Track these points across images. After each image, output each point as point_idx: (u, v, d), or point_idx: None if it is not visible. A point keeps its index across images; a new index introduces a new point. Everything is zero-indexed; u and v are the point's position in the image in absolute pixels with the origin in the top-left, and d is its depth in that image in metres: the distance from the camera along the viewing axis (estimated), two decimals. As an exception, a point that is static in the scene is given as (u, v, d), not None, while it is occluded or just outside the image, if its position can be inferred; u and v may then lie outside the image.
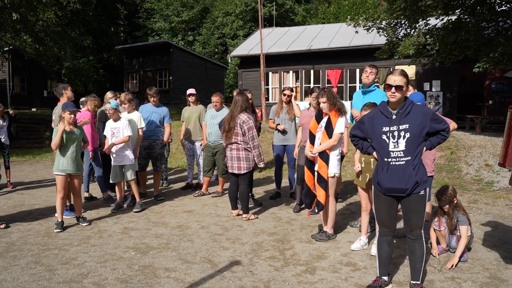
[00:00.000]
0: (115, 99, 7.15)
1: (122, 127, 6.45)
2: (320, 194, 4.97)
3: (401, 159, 3.27)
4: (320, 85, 18.22)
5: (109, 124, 6.54)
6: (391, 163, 3.30)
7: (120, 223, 5.83)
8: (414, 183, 3.24)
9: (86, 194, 7.28)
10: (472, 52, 11.14)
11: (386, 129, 3.32)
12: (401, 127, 3.27)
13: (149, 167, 7.66)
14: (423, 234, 3.47)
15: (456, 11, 11.51)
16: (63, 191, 5.57)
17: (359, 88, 5.69)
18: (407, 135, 3.25)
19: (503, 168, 3.98)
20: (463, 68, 16.01)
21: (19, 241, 5.06)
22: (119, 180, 6.57)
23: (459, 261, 4.19)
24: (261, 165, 5.96)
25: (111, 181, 6.63)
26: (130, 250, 4.70)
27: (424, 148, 3.36)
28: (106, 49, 31.71)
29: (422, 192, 3.32)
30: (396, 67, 16.99)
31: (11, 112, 8.67)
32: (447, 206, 4.36)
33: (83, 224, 5.76)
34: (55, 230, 5.46)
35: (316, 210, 5.06)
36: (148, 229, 5.52)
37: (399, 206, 3.48)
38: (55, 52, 21.12)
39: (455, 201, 4.40)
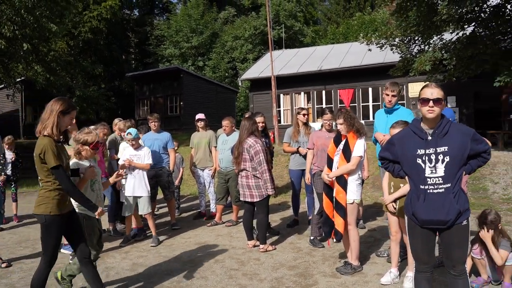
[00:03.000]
0: (131, 127, 6.89)
1: (143, 155, 6.17)
2: (338, 222, 4.60)
3: (440, 186, 2.87)
4: (332, 106, 17.93)
5: (129, 151, 6.21)
6: (428, 191, 2.90)
7: (129, 259, 5.46)
8: (456, 213, 2.84)
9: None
10: (490, 66, 10.76)
11: (421, 152, 2.93)
12: (438, 149, 2.88)
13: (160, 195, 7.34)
14: (466, 269, 3.05)
15: (471, 25, 11.21)
16: None
17: (382, 107, 5.31)
18: (446, 158, 2.85)
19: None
20: (477, 83, 15.57)
21: (19, 282, 4.71)
22: (131, 213, 6.21)
23: None
24: (270, 192, 5.59)
25: (123, 215, 6.28)
26: (138, 290, 4.33)
27: (463, 173, 2.96)
28: (117, 77, 31.93)
29: (464, 222, 2.91)
30: (410, 84, 16.64)
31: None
32: (491, 231, 3.93)
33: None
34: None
35: (335, 240, 4.67)
36: (158, 265, 5.14)
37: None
38: (67, 81, 21.23)
39: (500, 227, 3.97)
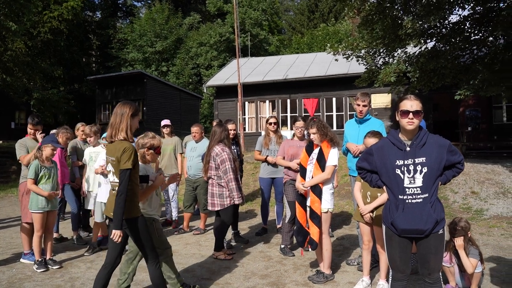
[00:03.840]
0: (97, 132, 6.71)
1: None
2: (313, 231, 4.60)
3: (418, 196, 2.93)
4: (297, 114, 18.11)
5: (103, 155, 5.98)
6: (407, 201, 2.95)
7: (94, 268, 5.25)
8: (433, 222, 2.90)
9: (56, 235, 6.65)
10: (450, 80, 11.20)
11: (400, 162, 2.98)
12: (417, 160, 2.94)
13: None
14: (441, 277, 3.11)
15: (433, 40, 11.63)
16: (42, 229, 5.25)
17: (354, 117, 5.38)
18: (424, 169, 2.91)
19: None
20: (436, 95, 16.20)
21: (-22, 294, 4.45)
22: (104, 220, 5.96)
23: None
24: (237, 201, 5.53)
25: (97, 221, 6.03)
26: (107, 302, 4.16)
27: (439, 183, 3.04)
28: (77, 80, 30.98)
29: (441, 231, 2.97)
30: (373, 95, 17.06)
31: None
32: (461, 238, 4.03)
33: (54, 268, 5.22)
34: (38, 271, 5.07)
35: (310, 249, 4.68)
36: (126, 275, 4.97)
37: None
38: (24, 82, 20.42)
39: (469, 235, 4.09)
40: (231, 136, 6.36)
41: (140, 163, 3.93)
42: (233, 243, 6.34)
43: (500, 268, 4.98)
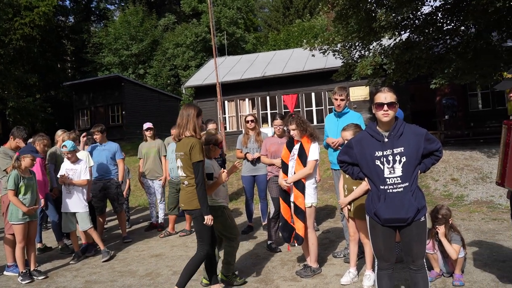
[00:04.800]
0: (76, 138, 6.62)
1: (80, 169, 5.90)
2: (298, 226, 4.63)
3: (399, 185, 2.99)
4: (277, 111, 18.17)
5: (65, 165, 5.94)
6: (388, 191, 3.01)
7: (81, 276, 5.21)
8: (415, 210, 2.96)
9: (39, 245, 6.55)
10: (426, 70, 11.40)
11: (379, 153, 3.04)
12: (395, 150, 3.00)
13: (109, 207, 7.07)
14: (425, 264, 3.18)
15: (407, 31, 11.81)
16: (24, 240, 5.16)
17: (332, 111, 5.43)
18: (403, 159, 2.98)
19: (501, 187, 3.79)
20: (413, 86, 16.43)
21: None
22: (72, 229, 5.92)
23: (449, 282, 3.98)
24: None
25: (63, 231, 5.97)
26: (95, 309, 4.13)
27: (419, 172, 3.10)
28: (53, 86, 30.43)
29: (422, 219, 3.05)
30: (351, 88, 17.22)
31: None
32: (442, 226, 4.12)
33: (39, 278, 5.16)
34: (23, 283, 5.01)
35: (296, 244, 4.71)
36: (113, 281, 4.94)
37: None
38: (-2, 92, 20.02)
39: (451, 221, 4.18)
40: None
41: (206, 159, 4.26)
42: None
43: (482, 251, 5.11)
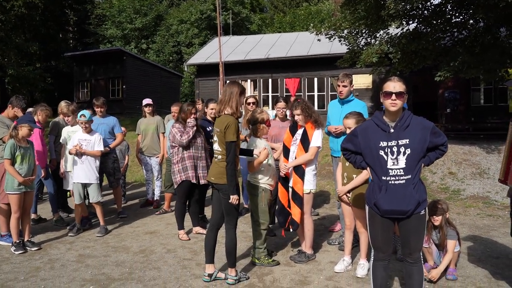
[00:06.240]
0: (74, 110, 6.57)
1: (94, 140, 5.86)
2: (295, 212, 4.60)
3: (401, 177, 2.95)
4: (278, 94, 18.06)
5: (78, 135, 5.86)
6: (390, 182, 2.97)
7: (74, 249, 5.20)
8: (416, 203, 2.93)
9: (34, 216, 6.52)
10: (431, 61, 11.28)
11: (383, 144, 2.99)
12: (400, 142, 2.95)
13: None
14: (421, 257, 3.17)
15: (414, 21, 11.65)
16: (20, 210, 5.14)
17: (337, 97, 5.36)
18: (408, 151, 2.93)
19: (504, 184, 3.76)
20: (416, 77, 16.31)
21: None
22: (82, 200, 5.87)
23: (443, 276, 3.98)
24: (177, 180, 5.61)
25: (76, 203, 5.91)
26: (87, 283, 4.11)
27: (422, 165, 3.06)
28: (54, 56, 30.10)
29: (422, 212, 3.02)
30: (354, 76, 17.08)
31: None
32: (439, 219, 4.11)
33: (32, 249, 5.14)
34: (16, 253, 5.01)
35: (291, 229, 4.69)
36: (107, 256, 4.93)
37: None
38: (-2, 58, 19.79)
39: (447, 215, 4.17)
40: (212, 115, 6.28)
41: (252, 137, 4.61)
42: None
43: (476, 246, 5.11)
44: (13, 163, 5.05)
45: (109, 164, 6.71)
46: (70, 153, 5.77)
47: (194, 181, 5.59)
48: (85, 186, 5.84)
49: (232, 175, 3.93)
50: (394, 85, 3.00)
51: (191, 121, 5.65)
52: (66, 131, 6.33)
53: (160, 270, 4.45)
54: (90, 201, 5.94)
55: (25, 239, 5.25)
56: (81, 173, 5.77)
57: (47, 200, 7.09)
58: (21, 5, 25.35)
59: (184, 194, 5.68)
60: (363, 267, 4.24)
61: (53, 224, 6.41)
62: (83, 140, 5.80)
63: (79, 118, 5.82)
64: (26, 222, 5.29)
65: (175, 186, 5.70)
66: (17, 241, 5.12)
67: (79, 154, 5.70)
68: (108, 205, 7.61)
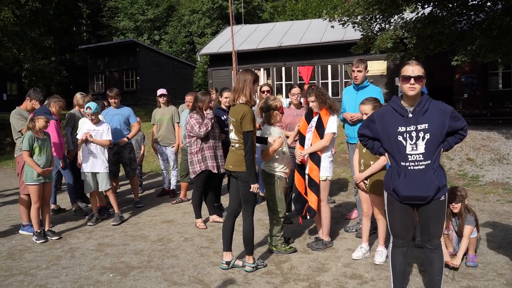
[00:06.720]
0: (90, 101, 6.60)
1: (102, 130, 5.96)
2: (311, 199, 4.59)
3: (421, 163, 2.90)
4: (292, 82, 17.94)
5: (87, 126, 5.95)
6: (409, 167, 2.92)
7: (94, 239, 5.27)
8: (435, 189, 2.89)
9: (53, 206, 6.63)
10: (447, 46, 11.07)
11: (402, 129, 2.94)
12: (419, 127, 2.89)
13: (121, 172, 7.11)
14: (442, 244, 3.13)
15: (430, 5, 11.42)
16: (39, 201, 5.23)
17: (352, 84, 5.31)
18: (427, 136, 2.88)
19: None
20: (432, 62, 16.04)
21: None
22: (93, 190, 5.96)
23: (461, 262, 3.95)
24: (198, 170, 5.57)
25: (85, 192, 6.01)
26: (107, 271, 4.17)
27: (441, 150, 3.00)
28: (68, 50, 30.42)
29: (442, 198, 2.97)
30: (369, 62, 16.87)
31: None
32: (458, 206, 4.05)
33: (53, 238, 5.24)
34: (37, 242, 5.11)
35: (308, 217, 4.68)
36: (126, 245, 4.99)
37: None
38: (14, 53, 19.99)
39: (466, 202, 4.11)
40: (226, 104, 6.26)
41: (266, 124, 4.63)
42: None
43: (496, 233, 5.04)
44: (31, 154, 5.12)
45: (125, 155, 6.77)
46: (78, 143, 5.87)
47: (215, 170, 5.60)
48: (95, 175, 5.92)
49: (252, 165, 3.92)
50: (413, 69, 2.94)
51: (209, 112, 5.65)
52: (82, 122, 6.39)
53: (178, 258, 4.49)
54: (99, 190, 6.01)
55: (46, 229, 5.34)
56: (90, 162, 5.87)
57: (66, 190, 7.19)
58: (36, 0, 25.57)
59: (202, 184, 5.70)
60: (381, 254, 4.22)
61: (72, 214, 6.52)
62: (92, 130, 5.90)
63: (85, 110, 5.89)
64: (46, 212, 5.38)
65: (193, 176, 5.71)
66: (38, 231, 5.22)
67: (88, 143, 5.80)
68: (125, 195, 7.69)
